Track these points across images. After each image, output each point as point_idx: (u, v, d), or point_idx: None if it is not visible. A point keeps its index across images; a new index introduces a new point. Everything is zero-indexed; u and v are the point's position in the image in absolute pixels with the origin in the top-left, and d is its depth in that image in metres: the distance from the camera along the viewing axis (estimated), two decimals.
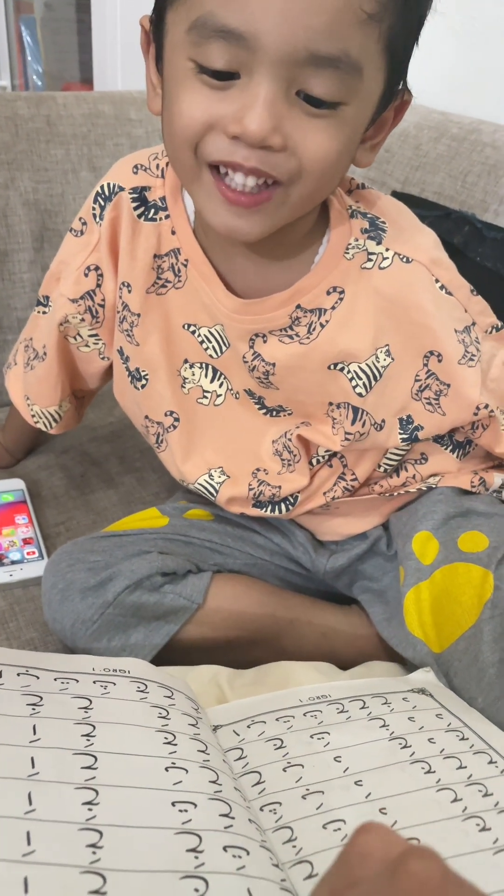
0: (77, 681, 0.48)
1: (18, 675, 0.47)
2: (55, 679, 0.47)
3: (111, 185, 0.63)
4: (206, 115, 0.48)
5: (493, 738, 0.51)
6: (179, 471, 0.70)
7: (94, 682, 0.48)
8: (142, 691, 0.48)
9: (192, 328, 0.64)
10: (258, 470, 0.67)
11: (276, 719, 0.51)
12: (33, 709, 0.44)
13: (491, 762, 0.48)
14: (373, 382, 0.61)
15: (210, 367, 0.66)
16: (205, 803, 0.39)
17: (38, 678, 0.47)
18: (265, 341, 0.61)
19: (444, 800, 0.44)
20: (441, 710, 0.55)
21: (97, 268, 0.65)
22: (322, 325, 0.60)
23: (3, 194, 0.93)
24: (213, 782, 0.41)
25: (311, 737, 0.49)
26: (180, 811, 0.38)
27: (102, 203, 0.63)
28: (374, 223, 0.60)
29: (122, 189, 0.62)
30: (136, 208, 0.62)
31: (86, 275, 0.65)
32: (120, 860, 0.34)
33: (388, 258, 0.59)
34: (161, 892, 0.33)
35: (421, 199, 0.92)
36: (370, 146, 0.55)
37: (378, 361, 0.61)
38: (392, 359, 0.60)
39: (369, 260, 0.59)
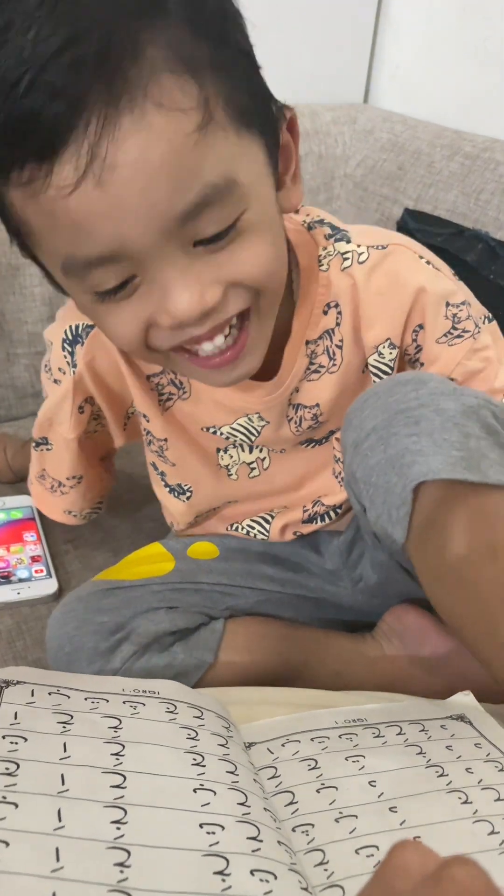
0: (107, 700, 0.48)
1: (49, 693, 0.47)
2: (85, 699, 0.47)
3: (76, 327, 0.59)
4: (135, 323, 0.46)
5: None
6: (224, 524, 0.69)
7: (124, 703, 0.48)
8: (171, 712, 0.47)
9: (212, 430, 0.62)
10: (320, 496, 0.66)
11: (311, 739, 0.50)
12: (64, 727, 0.44)
13: None
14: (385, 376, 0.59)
15: (245, 445, 0.64)
16: (232, 826, 0.38)
17: (68, 697, 0.47)
18: (298, 391, 0.60)
19: (480, 832, 0.42)
20: (480, 739, 0.53)
21: (87, 399, 0.63)
22: (339, 346, 0.58)
23: None
24: (242, 804, 0.40)
25: (346, 759, 0.48)
26: (208, 833, 0.37)
27: (71, 349, 0.59)
28: (334, 227, 0.58)
29: (92, 327, 0.58)
30: None
31: (80, 411, 0.63)
32: (147, 880, 0.33)
33: (363, 251, 0.56)
34: None
35: (434, 217, 0.92)
36: (290, 180, 0.51)
37: (383, 357, 0.58)
38: (396, 347, 0.58)
39: (345, 259, 0.56)
